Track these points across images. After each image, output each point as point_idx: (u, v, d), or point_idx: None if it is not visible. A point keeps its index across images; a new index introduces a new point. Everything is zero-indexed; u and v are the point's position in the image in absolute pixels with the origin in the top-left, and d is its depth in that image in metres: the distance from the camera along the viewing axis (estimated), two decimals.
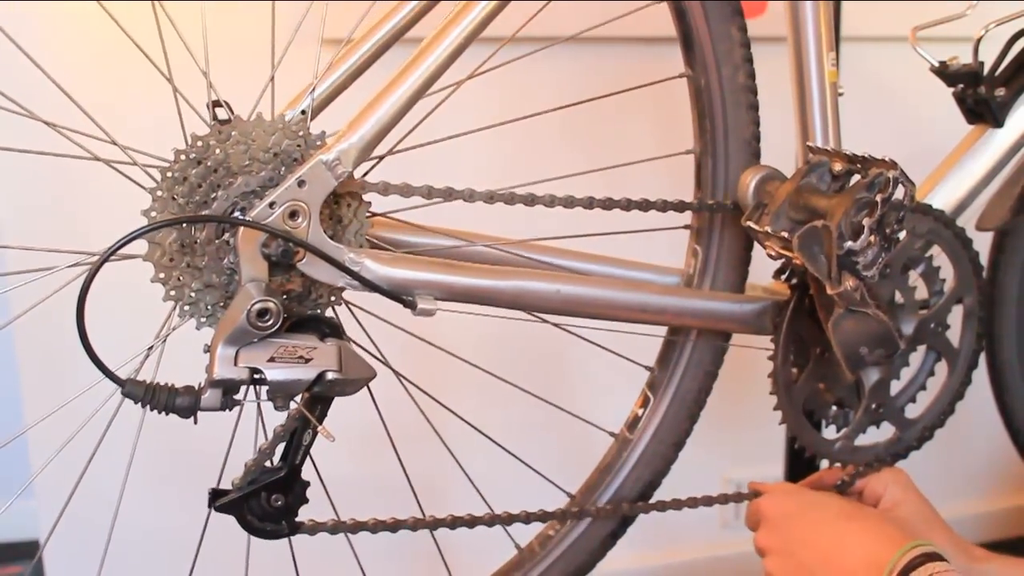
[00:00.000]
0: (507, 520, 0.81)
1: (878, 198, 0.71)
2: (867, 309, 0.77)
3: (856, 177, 0.76)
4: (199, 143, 0.65)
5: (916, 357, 0.87)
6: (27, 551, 1.68)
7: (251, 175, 0.66)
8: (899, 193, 0.73)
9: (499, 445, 0.84)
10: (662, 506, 0.86)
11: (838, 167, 0.76)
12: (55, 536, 0.81)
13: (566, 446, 1.16)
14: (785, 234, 0.74)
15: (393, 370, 0.76)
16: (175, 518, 0.78)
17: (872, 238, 0.72)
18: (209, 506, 0.70)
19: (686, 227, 0.86)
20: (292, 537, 0.72)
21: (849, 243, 0.72)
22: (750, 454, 1.61)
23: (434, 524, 0.78)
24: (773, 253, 0.77)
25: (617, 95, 0.83)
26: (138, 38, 0.69)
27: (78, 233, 1.21)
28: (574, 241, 0.82)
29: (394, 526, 0.77)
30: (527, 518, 0.81)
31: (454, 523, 0.79)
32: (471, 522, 0.80)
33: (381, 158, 0.72)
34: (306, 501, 0.71)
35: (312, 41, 0.73)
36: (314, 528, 0.74)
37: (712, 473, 1.62)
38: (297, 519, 0.71)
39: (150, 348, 0.67)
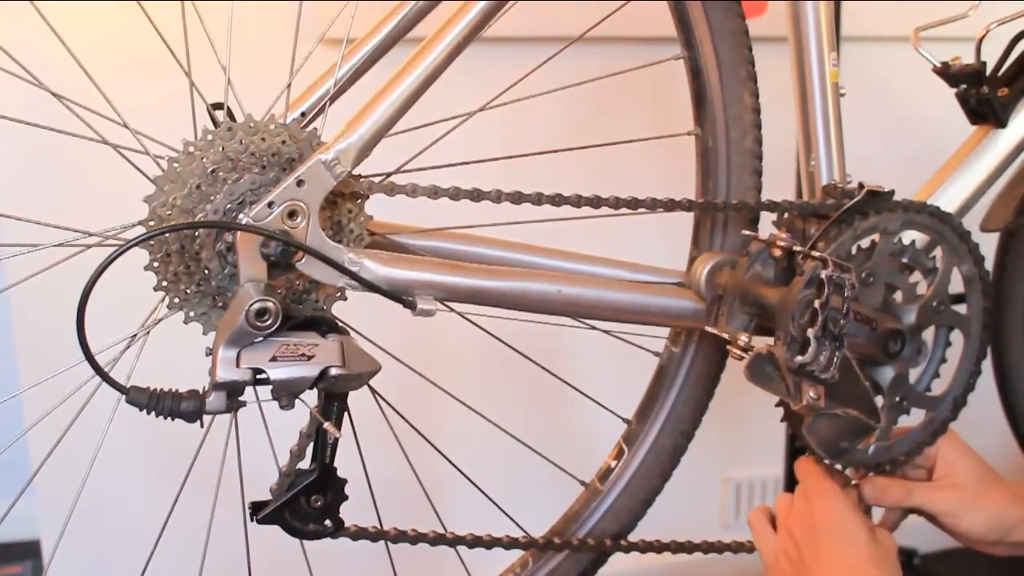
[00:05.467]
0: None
1: (816, 304, 0.71)
2: (834, 410, 0.76)
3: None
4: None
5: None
6: (27, 551, 1.68)
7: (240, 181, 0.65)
8: (838, 286, 0.71)
9: (516, 438, 0.84)
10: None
11: (777, 253, 0.77)
12: (54, 536, 0.80)
13: (566, 446, 1.16)
14: (744, 338, 0.76)
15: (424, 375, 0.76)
16: (176, 517, 0.78)
17: (821, 343, 0.72)
18: (251, 519, 0.70)
19: (688, 210, 0.85)
20: (336, 538, 0.72)
21: (799, 358, 0.72)
22: (750, 454, 1.61)
23: (473, 542, 0.78)
24: (737, 356, 0.77)
25: (615, 94, 0.83)
26: (145, 34, 0.68)
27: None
28: (574, 243, 0.82)
29: (434, 540, 0.77)
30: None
31: (491, 543, 0.80)
32: (490, 543, 0.80)
33: (388, 175, 0.71)
34: (346, 498, 0.71)
35: (313, 41, 0.72)
36: (356, 534, 0.73)
37: (712, 473, 1.62)
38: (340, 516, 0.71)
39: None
